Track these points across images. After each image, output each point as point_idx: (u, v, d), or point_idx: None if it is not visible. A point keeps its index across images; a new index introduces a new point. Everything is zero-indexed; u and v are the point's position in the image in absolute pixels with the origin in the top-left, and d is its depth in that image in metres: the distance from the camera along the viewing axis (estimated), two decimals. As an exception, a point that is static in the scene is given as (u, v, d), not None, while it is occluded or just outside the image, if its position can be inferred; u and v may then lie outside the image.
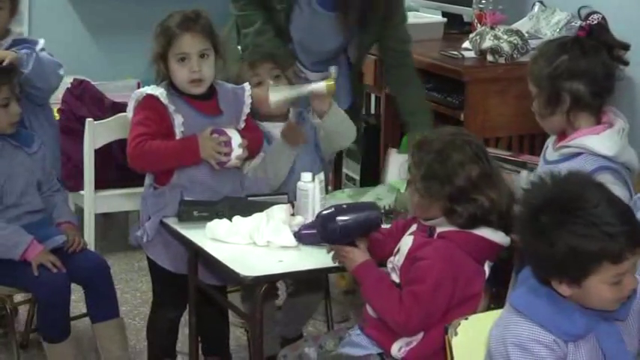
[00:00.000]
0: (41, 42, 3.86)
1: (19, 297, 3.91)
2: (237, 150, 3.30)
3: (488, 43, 4.24)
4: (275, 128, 3.56)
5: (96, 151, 4.09)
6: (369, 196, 3.47)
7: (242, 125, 3.42)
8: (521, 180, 3.26)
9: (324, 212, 2.95)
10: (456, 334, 2.44)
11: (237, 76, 3.59)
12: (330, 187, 4.06)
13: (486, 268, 2.84)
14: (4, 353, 3.86)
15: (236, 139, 3.30)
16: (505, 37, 4.23)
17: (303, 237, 3.12)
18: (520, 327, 2.22)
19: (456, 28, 4.95)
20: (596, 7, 3.18)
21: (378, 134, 4.77)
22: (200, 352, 3.56)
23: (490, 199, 2.75)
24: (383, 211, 3.18)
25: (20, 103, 3.57)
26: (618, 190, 2.77)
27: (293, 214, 3.23)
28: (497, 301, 2.85)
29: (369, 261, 2.86)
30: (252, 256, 3.07)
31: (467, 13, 4.87)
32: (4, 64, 3.58)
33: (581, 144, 2.97)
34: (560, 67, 2.99)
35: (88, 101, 4.43)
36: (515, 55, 4.21)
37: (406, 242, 2.85)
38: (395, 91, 4.12)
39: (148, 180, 3.42)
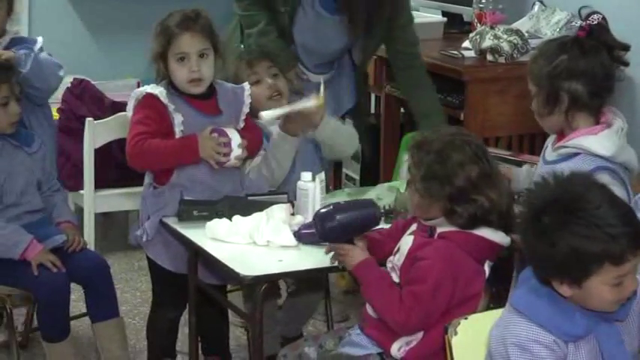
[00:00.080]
0: (39, 40, 3.85)
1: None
2: (236, 150, 3.30)
3: (488, 42, 4.24)
4: (272, 125, 3.56)
5: (96, 150, 4.09)
6: (369, 196, 3.46)
7: (241, 125, 3.41)
8: (522, 174, 3.26)
9: (322, 210, 2.95)
10: (455, 333, 2.44)
11: (234, 74, 3.58)
12: (330, 187, 4.05)
13: (486, 268, 2.84)
14: (4, 353, 3.86)
15: (235, 139, 3.30)
16: (505, 36, 4.23)
17: (303, 236, 3.12)
18: (520, 327, 2.21)
19: (456, 27, 4.96)
20: (597, 7, 3.18)
21: (378, 134, 4.76)
22: (200, 351, 3.56)
23: (490, 199, 2.75)
24: (383, 211, 3.17)
25: (20, 104, 3.57)
26: (616, 190, 2.74)
27: (293, 214, 3.23)
28: (497, 301, 2.84)
29: (369, 259, 2.86)
30: (252, 256, 3.07)
31: (467, 12, 4.87)
32: (1, 59, 3.58)
33: (579, 144, 2.97)
34: (559, 66, 2.99)
35: (87, 100, 4.43)
36: (515, 55, 4.21)
37: (406, 242, 2.85)
38: (406, 93, 4.11)
39: (147, 179, 3.42)
